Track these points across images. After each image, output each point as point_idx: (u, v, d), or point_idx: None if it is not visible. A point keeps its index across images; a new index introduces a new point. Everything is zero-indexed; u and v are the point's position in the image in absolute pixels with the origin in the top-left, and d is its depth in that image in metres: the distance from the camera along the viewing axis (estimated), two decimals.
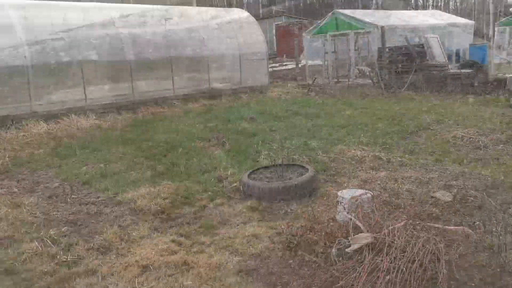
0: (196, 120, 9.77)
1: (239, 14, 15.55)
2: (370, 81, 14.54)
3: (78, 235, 3.99)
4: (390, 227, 3.04)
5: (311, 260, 3.17)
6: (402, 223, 3.13)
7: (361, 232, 3.15)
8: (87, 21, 11.30)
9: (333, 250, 3.12)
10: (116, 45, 11.56)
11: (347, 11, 16.67)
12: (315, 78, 15.48)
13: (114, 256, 3.60)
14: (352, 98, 12.14)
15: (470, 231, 3.42)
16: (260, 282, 3.07)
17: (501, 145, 6.30)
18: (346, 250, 3.06)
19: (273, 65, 24.02)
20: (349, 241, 3.10)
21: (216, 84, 13.68)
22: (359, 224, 3.21)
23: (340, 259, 3.03)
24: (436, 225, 3.42)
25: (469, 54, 18.45)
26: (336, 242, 3.19)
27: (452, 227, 3.47)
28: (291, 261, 3.29)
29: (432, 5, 56.84)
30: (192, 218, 4.35)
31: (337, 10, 17.37)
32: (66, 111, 10.34)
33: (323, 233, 3.37)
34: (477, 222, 3.62)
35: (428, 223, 3.41)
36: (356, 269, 2.81)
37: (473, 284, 2.85)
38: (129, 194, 4.94)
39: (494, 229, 3.42)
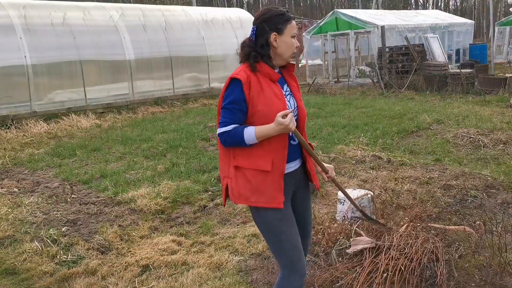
0: (196, 120, 9.77)
1: (239, 14, 15.54)
2: (370, 81, 14.54)
3: (78, 235, 3.99)
4: (392, 233, 3.02)
5: (311, 260, 3.17)
6: (403, 227, 3.12)
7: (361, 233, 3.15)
8: (87, 21, 11.31)
9: (333, 250, 3.12)
10: (116, 45, 11.56)
11: (347, 11, 16.66)
12: (315, 78, 15.48)
13: (114, 256, 3.60)
14: (352, 98, 12.14)
15: (471, 230, 3.42)
16: (260, 282, 3.07)
17: (501, 145, 6.30)
18: (346, 251, 3.06)
19: None
20: (349, 242, 3.10)
21: (216, 83, 13.68)
22: (359, 231, 3.21)
23: (340, 259, 3.03)
24: (437, 225, 3.42)
25: (469, 54, 18.47)
26: (337, 243, 3.19)
27: (453, 227, 3.47)
28: None
29: (432, 5, 56.81)
30: (192, 218, 4.34)
31: (337, 10, 17.36)
32: (66, 111, 10.36)
33: (324, 233, 3.37)
34: (477, 222, 3.62)
35: (429, 224, 3.40)
36: (356, 270, 2.81)
37: (473, 284, 2.85)
38: (129, 194, 4.93)
39: (494, 229, 3.42)
